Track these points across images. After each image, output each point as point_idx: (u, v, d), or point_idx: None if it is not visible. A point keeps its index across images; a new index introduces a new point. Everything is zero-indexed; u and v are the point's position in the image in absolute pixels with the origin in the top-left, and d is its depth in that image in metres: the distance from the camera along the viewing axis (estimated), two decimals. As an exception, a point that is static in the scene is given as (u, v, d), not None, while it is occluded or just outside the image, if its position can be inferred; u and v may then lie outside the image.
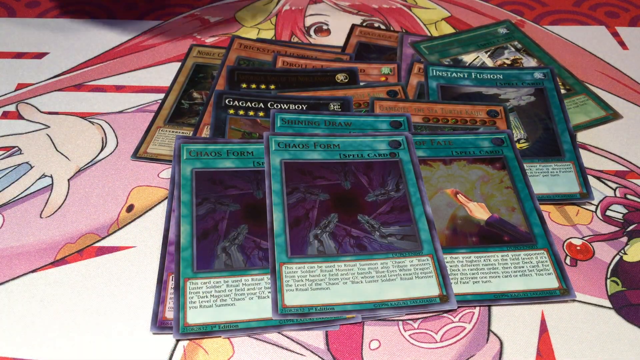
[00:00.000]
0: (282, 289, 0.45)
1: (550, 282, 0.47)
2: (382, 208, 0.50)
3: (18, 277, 0.47)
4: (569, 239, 0.51)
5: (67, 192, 0.53)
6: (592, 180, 0.55)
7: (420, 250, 0.47)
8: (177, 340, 0.43)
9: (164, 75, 0.65)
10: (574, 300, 0.47)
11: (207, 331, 0.43)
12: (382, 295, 0.45)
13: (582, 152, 0.58)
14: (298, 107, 0.59)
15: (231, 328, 0.43)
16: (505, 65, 0.67)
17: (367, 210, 0.50)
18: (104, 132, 0.59)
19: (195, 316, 0.43)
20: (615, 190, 0.54)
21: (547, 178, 0.54)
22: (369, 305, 0.44)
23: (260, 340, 0.44)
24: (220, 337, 0.43)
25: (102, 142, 0.58)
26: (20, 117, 0.60)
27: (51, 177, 0.55)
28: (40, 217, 0.51)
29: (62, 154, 0.57)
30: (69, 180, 0.54)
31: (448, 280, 0.46)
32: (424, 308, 0.45)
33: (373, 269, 0.46)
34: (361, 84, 0.63)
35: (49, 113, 0.61)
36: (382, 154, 0.54)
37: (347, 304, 0.44)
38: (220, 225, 0.48)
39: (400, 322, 0.45)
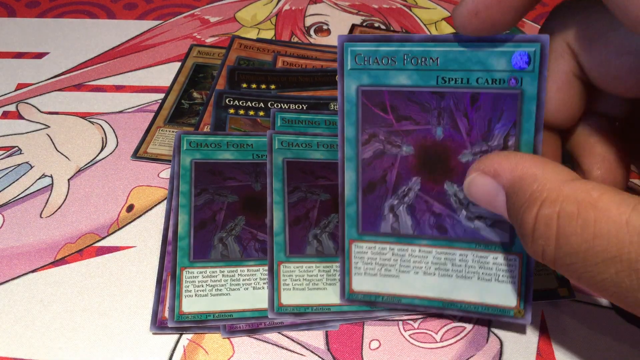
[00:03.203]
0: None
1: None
2: None
3: (18, 277, 0.47)
4: (569, 239, 0.51)
5: (67, 192, 0.53)
6: (592, 180, 0.55)
7: (511, 247, 0.37)
8: (180, 335, 0.43)
9: (164, 75, 0.65)
10: (574, 300, 0.46)
11: (202, 320, 0.43)
12: (453, 295, 0.40)
13: (582, 152, 0.57)
14: (298, 106, 0.58)
15: (225, 317, 0.44)
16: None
17: (457, 175, 0.36)
18: (104, 132, 0.59)
19: (190, 304, 0.44)
20: (615, 190, 0.54)
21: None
22: (437, 303, 0.41)
23: (260, 340, 0.44)
24: (217, 326, 0.44)
25: (102, 142, 0.58)
26: (20, 117, 0.60)
27: (51, 177, 0.55)
28: (40, 217, 0.51)
29: (62, 154, 0.57)
30: (69, 180, 0.54)
31: (530, 292, 0.38)
32: (493, 317, 0.41)
33: (450, 260, 0.38)
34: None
35: (49, 113, 0.61)
36: (498, 79, 0.34)
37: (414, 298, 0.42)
38: (218, 216, 0.49)
39: (400, 322, 0.45)
